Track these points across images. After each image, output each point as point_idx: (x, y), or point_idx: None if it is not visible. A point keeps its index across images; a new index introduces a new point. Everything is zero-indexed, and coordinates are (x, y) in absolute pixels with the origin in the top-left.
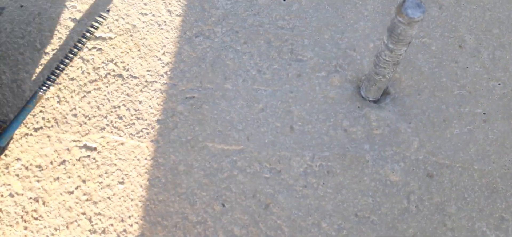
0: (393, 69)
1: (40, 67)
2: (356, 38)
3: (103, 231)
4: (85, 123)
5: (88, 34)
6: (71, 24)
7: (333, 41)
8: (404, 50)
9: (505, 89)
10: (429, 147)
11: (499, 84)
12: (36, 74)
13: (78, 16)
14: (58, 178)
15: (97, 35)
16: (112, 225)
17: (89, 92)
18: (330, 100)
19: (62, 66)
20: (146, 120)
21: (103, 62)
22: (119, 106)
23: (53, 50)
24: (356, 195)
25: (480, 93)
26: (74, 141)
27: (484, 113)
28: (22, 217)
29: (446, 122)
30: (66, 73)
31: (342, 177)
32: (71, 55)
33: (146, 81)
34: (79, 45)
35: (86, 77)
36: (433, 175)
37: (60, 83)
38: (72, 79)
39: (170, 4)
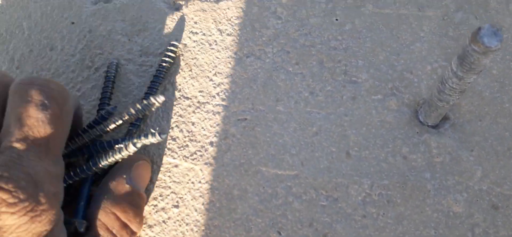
0: (459, 96)
1: (91, 85)
2: (412, 60)
3: None
4: None
5: (163, 72)
6: (122, 41)
7: (388, 62)
8: (474, 78)
9: None
10: (493, 177)
11: None
12: (87, 92)
13: (128, 32)
14: None
15: (148, 54)
16: None
17: None
18: (387, 124)
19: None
20: (199, 141)
21: None
22: (172, 128)
23: (102, 67)
24: (418, 227)
25: None
26: None
27: None
28: None
29: (511, 150)
30: (119, 93)
31: (403, 207)
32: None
33: (199, 102)
34: (155, 87)
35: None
36: (499, 207)
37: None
38: (126, 98)
39: (220, 23)
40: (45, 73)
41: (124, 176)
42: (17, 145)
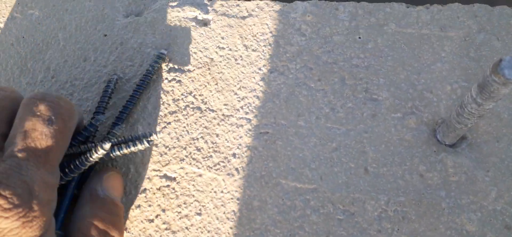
0: (477, 120)
1: (122, 95)
2: (432, 80)
3: None
4: (165, 154)
5: (149, 76)
6: (152, 54)
7: (409, 81)
8: (493, 105)
9: None
10: (507, 198)
11: None
12: (117, 102)
13: (158, 46)
14: (139, 206)
15: (176, 67)
16: None
17: (170, 123)
18: (405, 143)
19: (126, 110)
20: (222, 153)
21: (182, 94)
22: (197, 139)
23: (133, 78)
24: None
25: None
26: (154, 170)
27: None
28: None
29: None
30: (146, 104)
31: (417, 223)
32: (134, 99)
33: (223, 114)
34: (141, 89)
35: (166, 108)
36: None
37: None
38: (154, 108)
39: (246, 38)
40: (78, 83)
41: (97, 187)
42: (19, 155)
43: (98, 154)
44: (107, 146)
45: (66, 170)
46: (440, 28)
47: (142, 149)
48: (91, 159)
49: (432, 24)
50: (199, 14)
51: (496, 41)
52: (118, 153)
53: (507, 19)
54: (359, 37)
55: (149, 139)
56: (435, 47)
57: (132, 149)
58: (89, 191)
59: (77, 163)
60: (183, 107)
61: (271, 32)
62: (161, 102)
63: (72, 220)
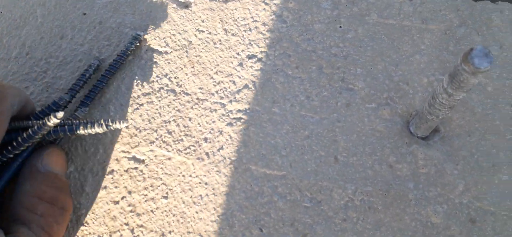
0: (448, 112)
1: (95, 75)
2: (410, 72)
3: None
4: (136, 135)
5: (123, 57)
6: (130, 34)
7: (386, 72)
8: (463, 95)
9: None
10: (474, 191)
11: None
12: (92, 80)
13: (136, 26)
14: (105, 187)
15: (154, 49)
16: None
17: (142, 105)
18: (377, 133)
19: (94, 91)
20: (194, 137)
21: (157, 76)
22: (169, 122)
23: (109, 58)
24: (395, 234)
25: None
26: (123, 151)
27: None
28: (70, 221)
29: (495, 167)
30: (120, 84)
31: (383, 214)
32: (104, 79)
33: (198, 98)
34: (113, 69)
35: (140, 89)
36: (476, 220)
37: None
38: (128, 88)
39: (227, 23)
40: (53, 60)
41: (37, 163)
42: None
43: (49, 124)
44: (60, 115)
45: (14, 144)
46: (421, 21)
47: (100, 132)
48: (40, 131)
49: (414, 16)
50: None
51: (476, 35)
52: (75, 132)
53: (489, 14)
54: (340, 26)
55: (108, 124)
56: (415, 39)
57: (89, 130)
58: (30, 167)
59: (24, 136)
60: (157, 89)
61: (252, 17)
62: (136, 83)
63: (14, 196)
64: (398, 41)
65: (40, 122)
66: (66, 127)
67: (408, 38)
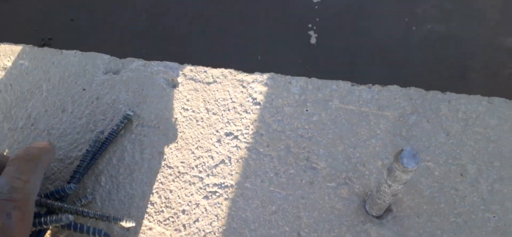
0: (392, 199)
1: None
2: (366, 155)
3: None
4: (121, 207)
5: (113, 135)
6: (123, 110)
7: (345, 154)
8: (401, 187)
9: (499, 223)
10: None
11: (494, 217)
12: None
13: (129, 103)
14: None
15: (143, 124)
16: None
17: (130, 175)
18: (336, 211)
19: (82, 170)
20: (173, 208)
21: (145, 149)
22: (152, 193)
23: (102, 132)
24: None
25: (475, 223)
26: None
27: None
28: None
29: None
30: (112, 157)
31: None
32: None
33: (179, 172)
34: (102, 146)
35: (129, 162)
36: None
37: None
38: (119, 160)
39: (208, 102)
40: (54, 132)
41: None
42: None
43: (61, 222)
44: (72, 217)
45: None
46: (378, 107)
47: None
48: (51, 224)
49: (372, 103)
50: (170, 76)
51: (426, 123)
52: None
53: (438, 103)
54: (307, 110)
55: (117, 221)
56: (372, 124)
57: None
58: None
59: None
60: (145, 161)
61: (231, 98)
62: (126, 156)
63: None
64: (357, 126)
65: (53, 217)
66: (75, 223)
67: (365, 123)
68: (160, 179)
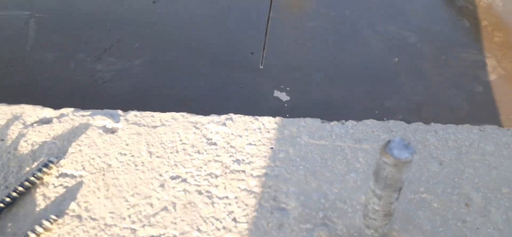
0: (385, 221)
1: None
2: (346, 190)
3: None
4: None
5: (31, 180)
6: (45, 160)
7: (321, 191)
8: (395, 197)
9: None
10: None
11: None
12: None
13: (55, 151)
14: None
15: (68, 173)
16: None
17: (39, 233)
18: None
19: None
20: None
21: (64, 201)
22: None
23: (13, 184)
24: None
25: None
26: None
27: None
28: None
29: None
30: (19, 210)
31: None
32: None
33: (105, 224)
34: (19, 190)
35: (40, 216)
36: None
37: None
38: (25, 215)
39: (153, 145)
40: None
41: None
42: None
43: None
44: None
45: None
46: (354, 141)
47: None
48: None
49: (346, 137)
50: (109, 122)
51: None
52: None
53: (423, 134)
54: (272, 148)
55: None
56: (349, 158)
57: None
58: None
59: None
60: (61, 215)
61: (181, 140)
62: (37, 209)
63: None
64: (331, 160)
65: None
66: None
67: (341, 157)
68: (78, 234)
